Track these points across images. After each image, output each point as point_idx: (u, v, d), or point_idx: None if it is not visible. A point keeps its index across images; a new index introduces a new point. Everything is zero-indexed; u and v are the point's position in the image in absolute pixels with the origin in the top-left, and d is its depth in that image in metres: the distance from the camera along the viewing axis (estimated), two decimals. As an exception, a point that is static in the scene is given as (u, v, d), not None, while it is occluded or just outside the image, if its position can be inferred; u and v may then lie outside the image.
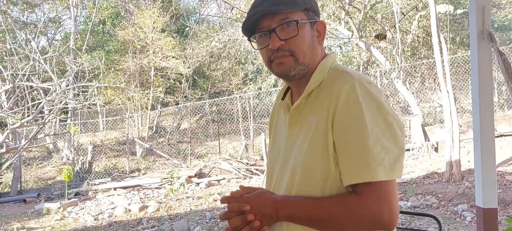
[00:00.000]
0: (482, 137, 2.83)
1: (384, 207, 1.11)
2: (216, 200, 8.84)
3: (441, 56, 8.60)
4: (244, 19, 1.29)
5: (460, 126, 8.98)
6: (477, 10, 2.83)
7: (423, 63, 14.32)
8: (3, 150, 7.49)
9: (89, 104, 10.91)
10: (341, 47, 15.71)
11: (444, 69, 8.50)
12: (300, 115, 1.29)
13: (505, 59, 2.69)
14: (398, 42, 12.85)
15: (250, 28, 1.30)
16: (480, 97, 2.80)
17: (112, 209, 8.89)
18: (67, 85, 9.83)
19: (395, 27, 12.98)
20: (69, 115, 16.58)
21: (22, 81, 8.25)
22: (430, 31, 9.57)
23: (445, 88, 8.47)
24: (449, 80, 8.54)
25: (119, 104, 18.98)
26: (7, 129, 7.70)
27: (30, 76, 9.32)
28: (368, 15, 13.33)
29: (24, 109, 9.22)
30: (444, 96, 8.61)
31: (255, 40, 1.32)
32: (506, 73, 2.61)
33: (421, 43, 15.35)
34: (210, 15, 24.02)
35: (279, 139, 1.39)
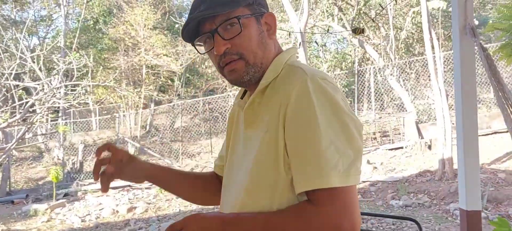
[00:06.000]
0: (465, 137, 2.71)
1: (344, 215, 1.00)
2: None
3: (433, 53, 8.50)
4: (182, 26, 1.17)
5: (453, 123, 8.86)
6: (459, 5, 2.70)
7: (417, 60, 14.20)
8: (-11, 151, 7.35)
9: (79, 103, 10.72)
10: (323, 43, 15.58)
11: (436, 66, 8.41)
12: (256, 115, 1.16)
13: (488, 55, 2.56)
14: (391, 39, 12.72)
15: (192, 34, 1.18)
16: (462, 95, 2.68)
17: (99, 210, 8.77)
18: (56, 84, 9.65)
19: (387, 23, 12.86)
20: (60, 114, 16.39)
21: (8, 80, 8.09)
22: (424, 28, 9.46)
23: (436, 85, 8.38)
24: (441, 77, 8.45)
25: (111, 103, 18.83)
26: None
27: (20, 75, 9.17)
28: (361, 12, 13.21)
29: (12, 109, 9.06)
30: (436, 93, 8.51)
31: (199, 44, 1.21)
32: (489, 69, 2.49)
33: (416, 40, 15.24)
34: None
35: (237, 144, 1.26)
